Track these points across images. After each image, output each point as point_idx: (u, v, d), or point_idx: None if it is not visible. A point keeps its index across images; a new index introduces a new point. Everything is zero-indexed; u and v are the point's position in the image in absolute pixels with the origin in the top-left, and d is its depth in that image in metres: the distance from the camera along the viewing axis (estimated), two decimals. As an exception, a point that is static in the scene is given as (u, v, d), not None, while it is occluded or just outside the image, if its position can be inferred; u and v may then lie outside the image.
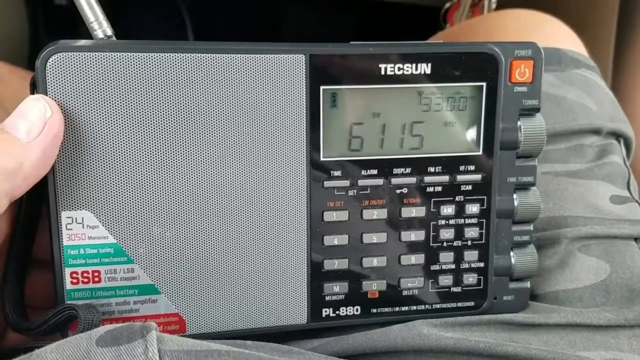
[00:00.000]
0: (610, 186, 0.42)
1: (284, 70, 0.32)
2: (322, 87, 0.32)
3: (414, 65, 0.33)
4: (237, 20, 0.94)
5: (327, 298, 0.34)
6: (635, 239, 0.39)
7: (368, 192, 0.34)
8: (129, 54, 0.30)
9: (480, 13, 0.62)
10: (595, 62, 0.48)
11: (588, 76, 0.46)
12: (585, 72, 0.46)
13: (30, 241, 0.33)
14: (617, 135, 0.44)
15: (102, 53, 0.29)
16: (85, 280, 0.31)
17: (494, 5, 0.62)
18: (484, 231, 0.36)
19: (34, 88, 0.30)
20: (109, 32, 0.32)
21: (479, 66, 0.34)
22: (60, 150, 0.29)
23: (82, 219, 0.30)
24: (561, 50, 0.46)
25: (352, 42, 0.33)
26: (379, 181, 0.34)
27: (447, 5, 0.67)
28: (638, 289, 0.36)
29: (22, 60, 0.83)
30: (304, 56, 0.32)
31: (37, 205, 0.33)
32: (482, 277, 0.36)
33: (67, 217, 0.30)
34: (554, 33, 0.48)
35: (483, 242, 0.36)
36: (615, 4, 0.61)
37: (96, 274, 0.31)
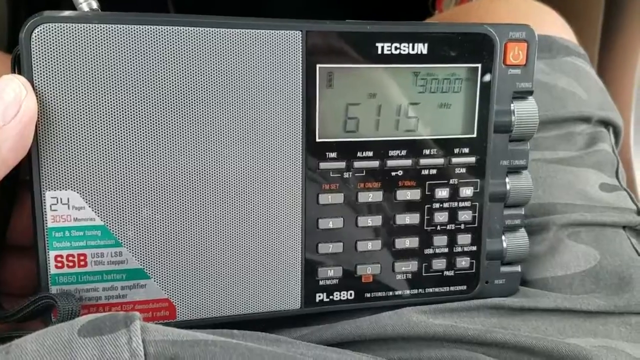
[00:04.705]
0: (600, 174, 0.42)
1: (279, 46, 0.31)
2: (318, 66, 0.31)
3: (410, 44, 0.33)
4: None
5: (321, 282, 0.34)
6: (624, 227, 0.39)
7: (363, 174, 0.33)
8: (117, 26, 0.28)
9: (468, 1, 0.62)
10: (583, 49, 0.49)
11: (578, 64, 0.46)
12: (575, 60, 0.46)
13: (4, 226, 0.31)
14: (606, 124, 0.45)
15: (89, 25, 0.28)
16: (71, 264, 0.29)
17: None
18: (477, 214, 0.35)
19: (16, 62, 0.28)
20: (94, 5, 0.30)
21: (474, 47, 0.33)
22: (45, 127, 0.28)
23: (68, 199, 0.29)
24: (552, 38, 0.46)
25: (348, 20, 0.33)
26: (375, 163, 0.33)
27: None
28: (627, 277, 0.36)
29: (1, 44, 0.79)
30: (300, 32, 0.31)
31: (12, 189, 0.31)
32: (474, 261, 0.36)
33: (52, 198, 0.28)
34: (545, 20, 0.49)
35: (476, 225, 0.36)
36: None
37: (82, 257, 0.29)
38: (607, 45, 0.62)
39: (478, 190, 0.35)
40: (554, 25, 0.48)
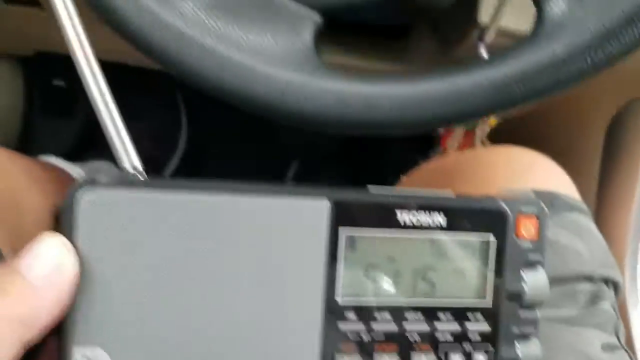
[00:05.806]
0: (601, 334, 0.43)
1: (306, 213, 0.33)
2: (342, 231, 0.33)
3: (428, 214, 0.35)
4: (231, 119, 0.96)
5: None
6: None
7: (381, 337, 0.34)
8: (158, 194, 0.30)
9: (472, 140, 0.66)
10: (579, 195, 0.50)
11: (580, 221, 0.48)
12: (577, 217, 0.48)
13: None
14: (607, 281, 0.46)
15: (135, 192, 0.30)
16: (90, 421, 0.29)
17: (486, 132, 0.66)
18: None
19: (58, 222, 0.30)
20: (136, 163, 0.32)
21: (488, 220, 0.35)
22: (82, 287, 0.29)
23: (95, 357, 0.29)
24: (554, 194, 0.49)
25: (370, 186, 0.35)
26: (393, 326, 0.34)
27: (441, 131, 0.71)
28: None
29: (10, 138, 0.81)
30: (327, 201, 0.33)
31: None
32: None
33: (81, 356, 0.29)
34: (547, 176, 0.51)
35: (487, 390, 0.36)
36: (599, 140, 0.65)
37: (101, 415, 0.30)
38: (604, 193, 0.65)
39: (489, 356, 0.36)
40: (556, 180, 0.51)
